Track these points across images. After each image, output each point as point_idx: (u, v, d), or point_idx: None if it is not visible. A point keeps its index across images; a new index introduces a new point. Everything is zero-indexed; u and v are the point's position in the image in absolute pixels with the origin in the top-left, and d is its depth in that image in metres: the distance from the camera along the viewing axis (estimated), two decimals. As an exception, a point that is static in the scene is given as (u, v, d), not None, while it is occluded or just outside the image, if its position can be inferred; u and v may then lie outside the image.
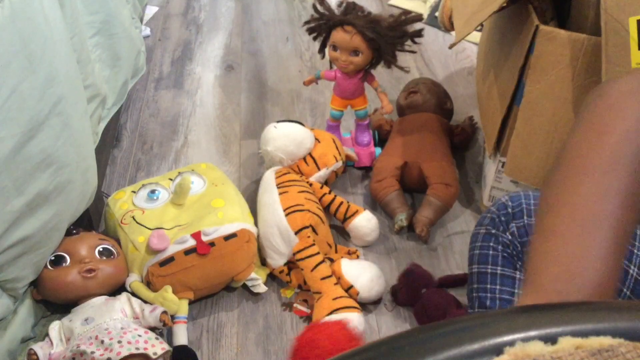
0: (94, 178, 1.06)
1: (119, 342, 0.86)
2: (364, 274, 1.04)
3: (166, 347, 0.90)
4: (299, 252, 1.04)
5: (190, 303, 1.04)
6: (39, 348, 0.90)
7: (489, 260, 0.77)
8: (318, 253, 1.04)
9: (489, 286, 0.77)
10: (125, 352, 0.85)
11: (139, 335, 0.89)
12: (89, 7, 1.15)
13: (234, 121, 1.53)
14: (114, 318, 0.93)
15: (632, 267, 0.67)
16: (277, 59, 1.78)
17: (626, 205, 0.44)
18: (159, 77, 1.70)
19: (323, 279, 1.02)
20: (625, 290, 0.67)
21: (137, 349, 0.86)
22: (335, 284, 1.02)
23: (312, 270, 1.03)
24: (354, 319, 0.97)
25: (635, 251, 0.69)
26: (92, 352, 0.85)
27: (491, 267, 0.77)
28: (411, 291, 1.03)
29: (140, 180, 1.25)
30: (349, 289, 1.03)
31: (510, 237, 0.77)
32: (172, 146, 1.45)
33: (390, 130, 1.36)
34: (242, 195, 1.17)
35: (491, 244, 0.79)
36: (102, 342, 0.86)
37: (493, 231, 0.78)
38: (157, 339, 0.91)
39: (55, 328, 0.93)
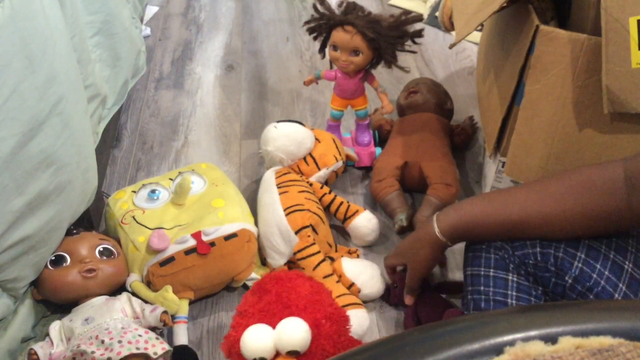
0: (94, 178, 1.06)
1: (119, 342, 0.86)
2: (364, 272, 1.05)
3: (166, 347, 0.90)
4: (299, 251, 1.04)
5: (191, 303, 1.04)
6: (39, 348, 0.90)
7: (482, 263, 0.79)
8: (319, 252, 1.04)
9: (482, 288, 0.78)
10: (125, 352, 0.85)
11: (140, 335, 0.89)
12: (89, 7, 1.15)
13: (234, 121, 1.53)
14: (115, 318, 0.93)
15: (627, 263, 0.68)
16: (277, 59, 1.78)
17: None
18: (159, 77, 1.70)
19: (325, 277, 1.02)
20: (621, 285, 0.68)
21: (138, 348, 0.86)
22: (337, 282, 1.02)
23: (313, 269, 1.03)
24: (360, 315, 0.97)
25: (630, 248, 0.70)
26: (93, 352, 0.85)
27: (484, 269, 0.79)
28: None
29: (140, 180, 1.25)
30: (350, 287, 1.03)
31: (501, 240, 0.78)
32: (172, 146, 1.45)
33: (390, 130, 1.36)
34: (242, 195, 1.17)
35: (484, 247, 0.81)
36: (103, 342, 0.86)
37: None
38: (157, 338, 0.90)
39: (55, 328, 0.93)
